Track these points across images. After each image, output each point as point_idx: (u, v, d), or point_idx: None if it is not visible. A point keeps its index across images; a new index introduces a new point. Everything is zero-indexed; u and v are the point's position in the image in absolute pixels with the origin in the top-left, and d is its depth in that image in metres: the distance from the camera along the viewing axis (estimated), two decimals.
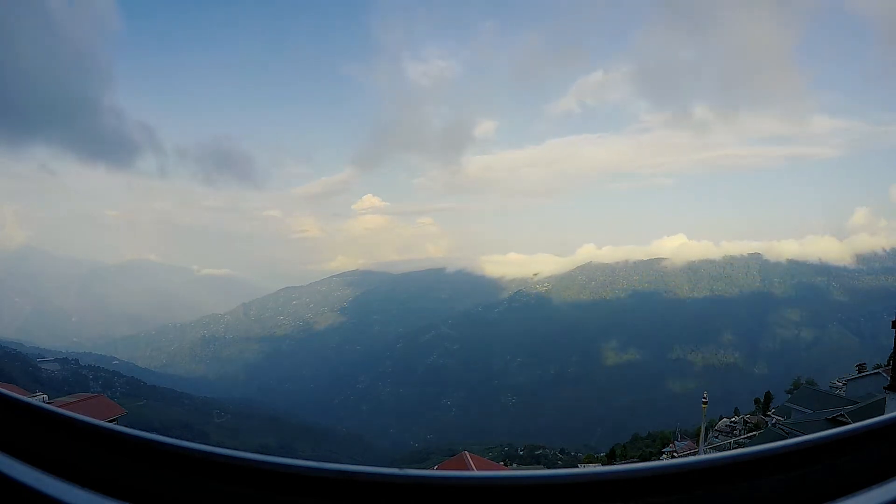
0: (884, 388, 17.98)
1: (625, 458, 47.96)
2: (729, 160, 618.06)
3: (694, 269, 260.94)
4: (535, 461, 73.01)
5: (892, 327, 16.92)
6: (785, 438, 1.02)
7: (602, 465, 35.98)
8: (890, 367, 22.24)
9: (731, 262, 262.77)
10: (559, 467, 42.90)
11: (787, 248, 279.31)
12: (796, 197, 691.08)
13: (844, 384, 34.95)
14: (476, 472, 0.96)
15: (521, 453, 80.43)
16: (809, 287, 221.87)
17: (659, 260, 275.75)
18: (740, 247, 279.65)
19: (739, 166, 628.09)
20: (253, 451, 0.90)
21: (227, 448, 0.92)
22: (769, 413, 38.46)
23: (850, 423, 1.10)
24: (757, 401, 48.87)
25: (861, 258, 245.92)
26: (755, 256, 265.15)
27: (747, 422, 40.22)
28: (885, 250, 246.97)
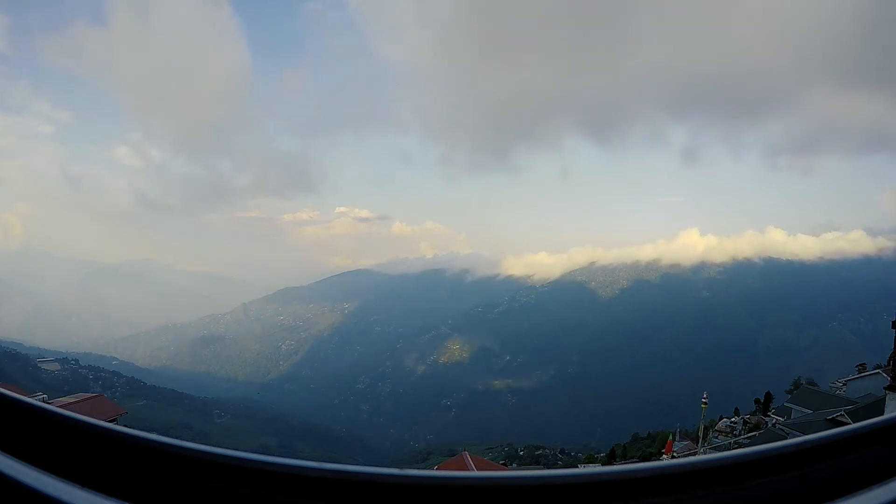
0: (884, 388, 17.96)
1: (625, 458, 47.96)
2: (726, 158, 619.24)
3: (694, 270, 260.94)
4: (535, 461, 73.07)
5: (892, 327, 16.90)
6: (785, 438, 1.02)
7: (602, 465, 35.98)
8: (890, 367, 22.22)
9: (731, 261, 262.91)
10: (559, 467, 42.95)
11: (786, 247, 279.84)
12: (796, 195, 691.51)
13: (844, 384, 34.89)
14: (476, 472, 0.96)
15: (521, 453, 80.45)
16: (809, 287, 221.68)
17: (659, 260, 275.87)
18: (740, 246, 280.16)
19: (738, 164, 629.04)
20: (253, 451, 0.91)
21: (227, 448, 0.92)
22: (769, 413, 38.41)
23: (850, 423, 1.09)
24: (757, 401, 48.83)
25: (861, 257, 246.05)
26: (755, 255, 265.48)
27: (747, 422, 40.14)
28: (883, 250, 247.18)
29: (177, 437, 0.96)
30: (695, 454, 25.01)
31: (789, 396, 37.68)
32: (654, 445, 51.05)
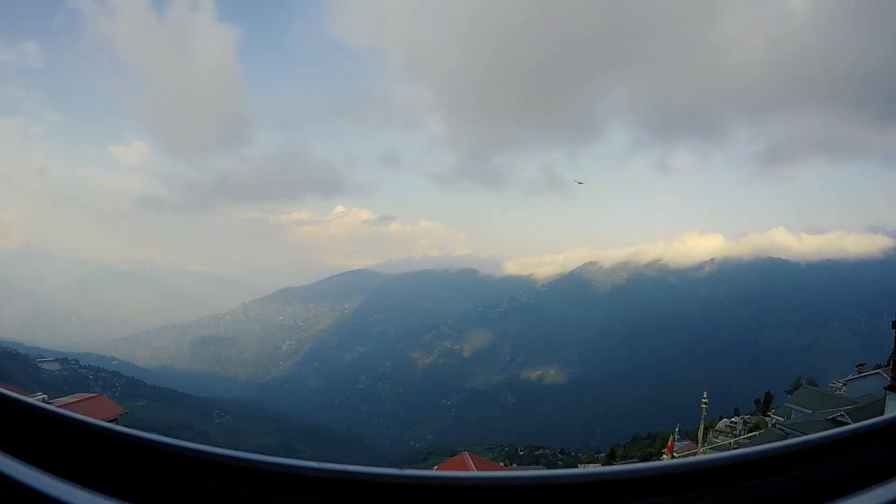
0: (884, 388, 17.93)
1: (625, 458, 47.92)
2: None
3: (694, 269, 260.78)
4: (535, 461, 72.97)
5: (892, 327, 16.87)
6: (785, 438, 1.03)
7: (602, 465, 35.94)
8: (890, 367, 22.21)
9: (731, 261, 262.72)
10: (559, 467, 42.90)
11: (787, 246, 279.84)
12: (797, 195, 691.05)
13: (844, 384, 34.83)
14: (476, 472, 0.96)
15: (521, 453, 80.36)
16: (809, 287, 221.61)
17: (658, 260, 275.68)
18: (740, 246, 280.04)
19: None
20: (253, 451, 0.91)
21: (227, 448, 0.92)
22: (769, 413, 38.39)
23: (850, 423, 1.10)
24: (757, 401, 48.89)
25: (861, 257, 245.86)
26: (755, 256, 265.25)
27: (747, 422, 40.14)
28: (884, 250, 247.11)
29: (177, 437, 0.96)
30: (695, 454, 25.00)
31: (789, 396, 37.61)
32: (654, 445, 51.04)
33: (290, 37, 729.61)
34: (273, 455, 0.91)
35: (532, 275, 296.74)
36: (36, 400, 1.09)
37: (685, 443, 38.09)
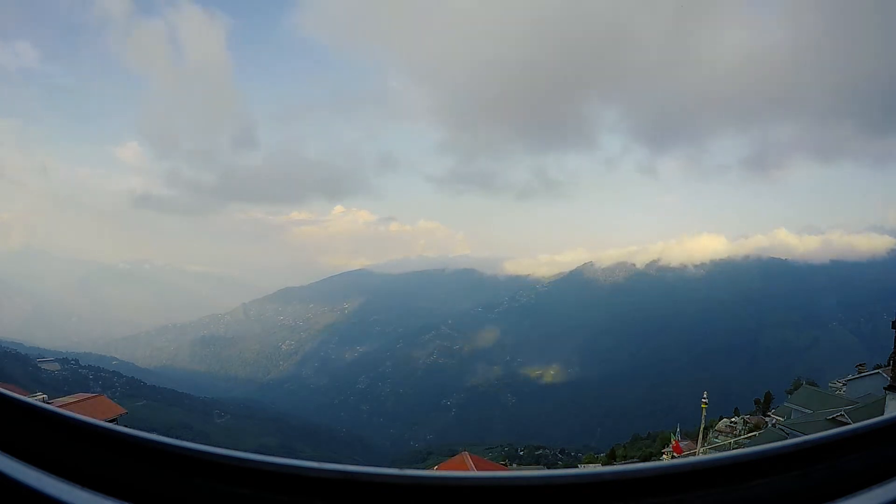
0: (884, 388, 17.93)
1: (625, 458, 47.90)
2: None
3: (694, 269, 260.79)
4: (535, 461, 73.00)
5: (892, 327, 16.85)
6: (785, 438, 1.04)
7: (602, 465, 35.94)
8: (890, 367, 22.18)
9: (731, 261, 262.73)
10: (559, 467, 42.90)
11: (787, 246, 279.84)
12: (798, 195, 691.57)
13: (844, 384, 34.84)
14: (476, 472, 0.96)
15: (521, 453, 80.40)
16: (809, 287, 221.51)
17: (658, 260, 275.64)
18: (741, 246, 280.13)
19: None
20: (253, 451, 0.91)
21: (227, 448, 0.92)
22: (769, 413, 38.42)
23: (850, 423, 1.11)
24: (757, 401, 48.97)
25: (861, 257, 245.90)
26: (755, 256, 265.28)
27: (747, 422, 40.15)
28: (886, 250, 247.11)
29: (177, 437, 0.96)
30: (695, 454, 25.00)
31: (789, 396, 37.62)
32: (654, 445, 51.01)
33: (293, 41, 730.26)
34: (273, 455, 0.91)
35: (532, 275, 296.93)
36: (36, 400, 1.09)
37: (685, 443, 38.09)
